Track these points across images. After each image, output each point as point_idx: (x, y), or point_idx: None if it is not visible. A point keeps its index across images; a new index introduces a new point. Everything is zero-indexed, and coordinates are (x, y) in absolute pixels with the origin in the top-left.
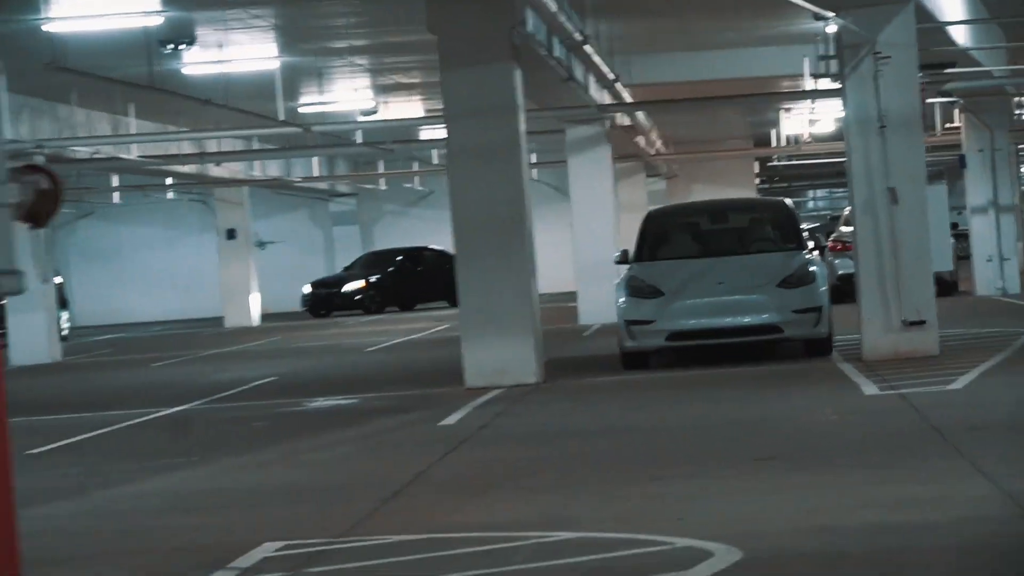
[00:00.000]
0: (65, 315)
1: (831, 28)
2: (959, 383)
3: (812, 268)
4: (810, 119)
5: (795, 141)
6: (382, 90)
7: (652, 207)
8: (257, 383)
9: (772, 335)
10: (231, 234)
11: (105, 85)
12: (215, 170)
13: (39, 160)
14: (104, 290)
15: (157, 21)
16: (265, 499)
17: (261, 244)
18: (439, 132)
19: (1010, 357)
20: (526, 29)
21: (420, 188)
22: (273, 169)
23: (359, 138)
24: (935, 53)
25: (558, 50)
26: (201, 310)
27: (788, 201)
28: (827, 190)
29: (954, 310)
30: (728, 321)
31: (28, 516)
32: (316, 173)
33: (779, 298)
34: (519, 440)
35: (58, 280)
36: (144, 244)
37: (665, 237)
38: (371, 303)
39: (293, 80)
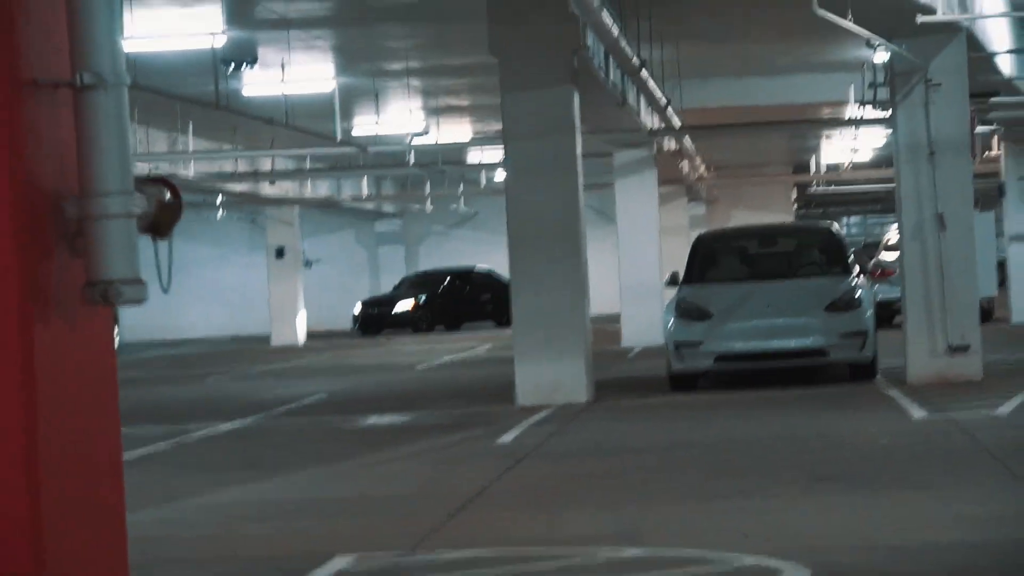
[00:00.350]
0: (115, 330)
1: (879, 56)
2: (1006, 408)
3: (858, 293)
4: (852, 147)
5: (835, 168)
6: (433, 112)
7: (702, 231)
8: (310, 399)
9: (818, 358)
10: (280, 253)
11: (166, 103)
12: (267, 189)
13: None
14: (152, 306)
15: (222, 41)
16: (334, 511)
17: (307, 263)
18: (487, 154)
19: None
20: (589, 53)
21: (464, 209)
22: (323, 189)
23: (412, 159)
24: (980, 82)
25: (614, 74)
26: (248, 327)
27: (835, 226)
28: (860, 216)
29: (994, 337)
30: (775, 344)
31: None
32: (365, 193)
33: (826, 322)
34: (577, 457)
35: None
36: (193, 261)
37: (714, 260)
38: (421, 322)
39: (348, 101)
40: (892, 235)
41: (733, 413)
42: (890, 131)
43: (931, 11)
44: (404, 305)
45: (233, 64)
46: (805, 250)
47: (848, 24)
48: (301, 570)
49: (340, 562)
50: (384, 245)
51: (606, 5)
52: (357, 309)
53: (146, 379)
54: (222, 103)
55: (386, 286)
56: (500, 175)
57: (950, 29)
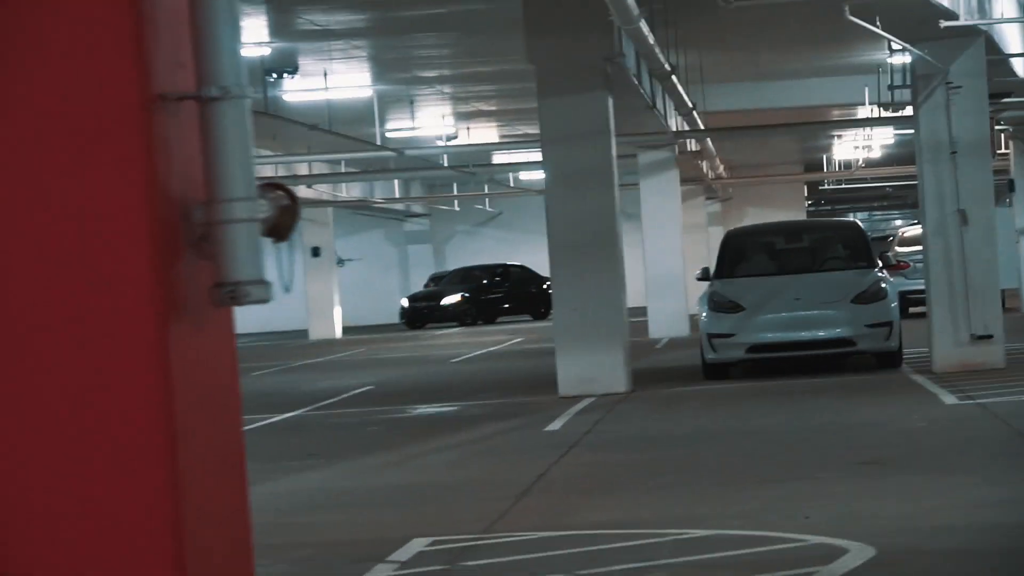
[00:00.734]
0: None
1: (898, 59)
2: None
3: (883, 285)
4: (864, 145)
5: (846, 166)
6: (462, 117)
7: (719, 227)
8: (356, 391)
9: (846, 348)
10: (316, 252)
11: None
12: (303, 192)
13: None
14: None
15: (266, 51)
16: (398, 498)
17: (340, 261)
18: (514, 156)
19: None
20: (625, 61)
21: (490, 209)
22: (356, 190)
23: (444, 161)
24: (994, 83)
25: (644, 79)
26: (285, 322)
27: (859, 222)
28: (867, 213)
29: (1011, 326)
30: (805, 335)
31: None
32: (396, 195)
33: (853, 313)
34: (625, 444)
35: None
36: None
37: (744, 255)
38: (466, 316)
39: (383, 107)
40: (908, 230)
41: (769, 401)
42: (899, 130)
43: (953, 16)
44: (451, 299)
45: (276, 73)
46: (831, 244)
47: (877, 30)
48: (380, 554)
49: (417, 545)
50: (412, 244)
51: (644, 15)
52: (404, 303)
53: None
54: (269, 110)
55: (415, 283)
56: (525, 176)
57: (970, 33)
